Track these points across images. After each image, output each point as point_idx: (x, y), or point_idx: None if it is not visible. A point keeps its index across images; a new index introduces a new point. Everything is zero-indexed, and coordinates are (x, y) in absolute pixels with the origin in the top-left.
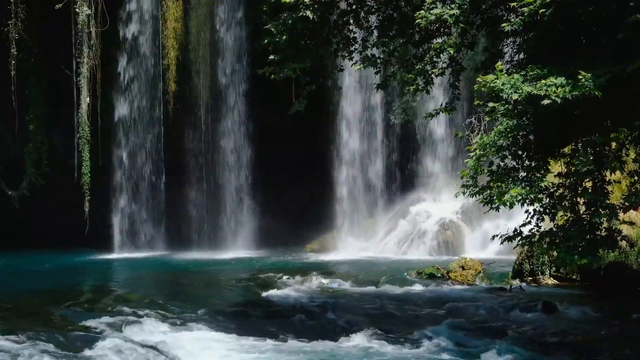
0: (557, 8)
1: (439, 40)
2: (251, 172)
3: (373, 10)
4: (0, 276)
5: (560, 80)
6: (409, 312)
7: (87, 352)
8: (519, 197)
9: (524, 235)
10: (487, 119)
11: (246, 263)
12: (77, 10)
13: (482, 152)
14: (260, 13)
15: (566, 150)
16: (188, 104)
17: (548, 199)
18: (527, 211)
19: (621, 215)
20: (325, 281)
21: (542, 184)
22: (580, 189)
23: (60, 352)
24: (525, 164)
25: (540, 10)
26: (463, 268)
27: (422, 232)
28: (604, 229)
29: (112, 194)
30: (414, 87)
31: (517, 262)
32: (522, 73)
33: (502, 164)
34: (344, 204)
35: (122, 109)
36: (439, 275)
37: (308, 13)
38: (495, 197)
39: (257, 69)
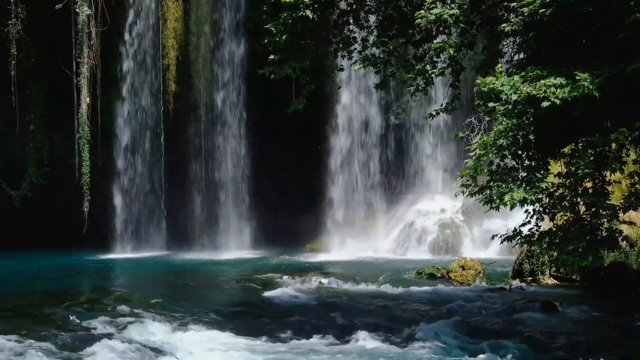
0: (557, 8)
1: (439, 40)
2: (251, 171)
3: (373, 10)
4: (0, 276)
5: (560, 80)
6: (408, 312)
7: (87, 352)
8: (520, 198)
9: (523, 235)
10: (487, 118)
11: (246, 263)
12: (77, 10)
13: (482, 152)
14: (260, 13)
15: (566, 150)
16: (188, 104)
17: (548, 198)
18: (526, 211)
19: (621, 215)
20: (325, 281)
21: (543, 185)
22: (580, 189)
23: (60, 352)
24: (525, 164)
25: (540, 10)
26: (463, 268)
27: (422, 232)
28: (604, 230)
29: (112, 194)
30: (413, 87)
31: (517, 262)
32: (521, 74)
33: (502, 163)
34: (343, 204)
35: (122, 109)
36: (439, 275)
37: (308, 13)
38: (495, 197)
39: (257, 69)
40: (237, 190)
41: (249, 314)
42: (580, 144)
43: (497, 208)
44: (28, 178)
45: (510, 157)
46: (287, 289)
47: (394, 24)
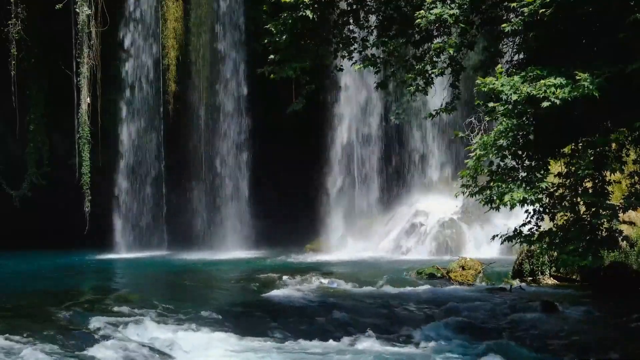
0: (557, 8)
1: (439, 40)
2: (251, 172)
3: (373, 10)
4: (0, 276)
5: (560, 80)
6: (408, 312)
7: (87, 352)
8: (520, 198)
9: (523, 235)
10: (487, 118)
11: (246, 263)
12: (77, 10)
13: (482, 152)
14: (260, 13)
15: (566, 150)
16: (188, 104)
17: (548, 198)
18: (526, 211)
19: (621, 215)
20: (325, 281)
21: (543, 185)
22: (580, 189)
23: (60, 352)
24: (525, 164)
25: (540, 10)
26: (463, 268)
27: (422, 232)
28: (604, 230)
29: (112, 194)
30: (413, 87)
31: (517, 262)
32: (521, 74)
33: (502, 163)
34: (343, 204)
35: (122, 109)
36: (439, 275)
37: (308, 13)
38: (495, 197)
39: (257, 69)
40: (237, 190)
41: (249, 314)
42: (580, 144)
43: (497, 208)
44: (28, 178)
45: (510, 157)
46: (287, 289)
47: (394, 24)
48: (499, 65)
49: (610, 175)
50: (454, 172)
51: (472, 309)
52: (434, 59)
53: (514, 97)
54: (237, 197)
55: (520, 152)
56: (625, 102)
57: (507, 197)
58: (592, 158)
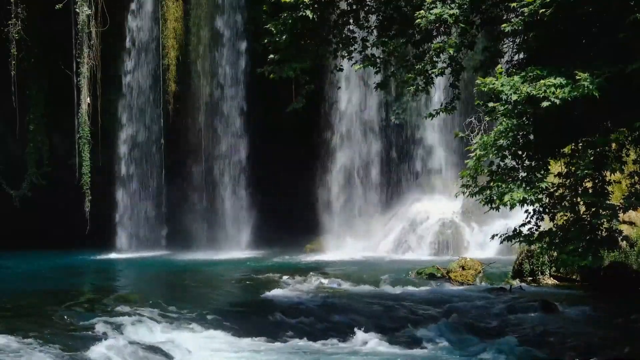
0: (557, 8)
1: (439, 40)
2: (250, 171)
3: (373, 10)
4: (0, 276)
5: (560, 80)
6: (408, 312)
7: (87, 352)
8: (520, 198)
9: (523, 235)
10: (487, 118)
11: (246, 263)
12: (77, 10)
13: (482, 152)
14: (260, 13)
15: (566, 150)
16: (188, 104)
17: (548, 198)
18: (526, 211)
19: (621, 215)
20: (325, 281)
21: (542, 185)
22: (580, 189)
23: (60, 352)
24: (525, 164)
25: (540, 10)
26: (463, 268)
27: (422, 232)
28: (604, 230)
29: (112, 194)
30: (414, 87)
31: (517, 262)
32: (521, 74)
33: (502, 164)
34: (343, 203)
35: (122, 109)
36: (439, 275)
37: (308, 13)
38: (495, 197)
39: (256, 69)
40: (237, 190)
41: (249, 314)
42: (580, 144)
43: (497, 208)
44: (28, 178)
45: (510, 157)
46: (287, 289)
47: (394, 24)
48: (499, 65)
49: (610, 175)
50: (455, 172)
51: (472, 309)
52: (434, 59)
53: (514, 97)
54: (237, 197)
55: (520, 152)
56: (625, 102)
57: (507, 197)
58: (592, 158)
